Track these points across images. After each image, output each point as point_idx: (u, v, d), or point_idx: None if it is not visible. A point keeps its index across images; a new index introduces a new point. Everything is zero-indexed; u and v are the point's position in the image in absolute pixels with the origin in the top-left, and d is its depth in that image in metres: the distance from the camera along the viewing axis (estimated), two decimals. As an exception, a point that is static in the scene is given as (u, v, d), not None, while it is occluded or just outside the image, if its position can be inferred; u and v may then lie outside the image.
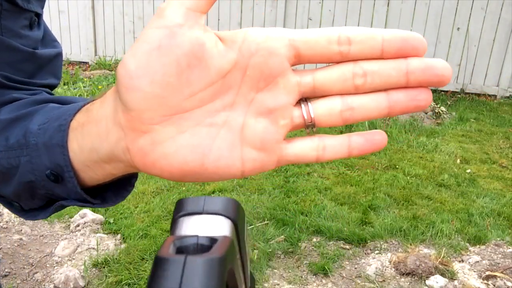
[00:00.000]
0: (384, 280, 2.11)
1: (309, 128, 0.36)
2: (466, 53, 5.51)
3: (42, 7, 0.56)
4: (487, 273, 2.15)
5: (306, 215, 2.60)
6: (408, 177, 3.19)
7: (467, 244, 2.43)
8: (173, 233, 0.25)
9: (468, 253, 2.35)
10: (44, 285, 2.03)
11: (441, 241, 2.42)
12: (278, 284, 2.08)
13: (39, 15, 0.55)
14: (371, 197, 2.86)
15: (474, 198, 2.93)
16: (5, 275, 2.06)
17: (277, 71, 0.33)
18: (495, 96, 5.48)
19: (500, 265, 2.22)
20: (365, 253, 2.33)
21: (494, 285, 2.08)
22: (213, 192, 2.83)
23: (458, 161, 3.55)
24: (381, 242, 2.40)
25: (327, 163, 3.28)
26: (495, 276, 2.12)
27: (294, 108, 0.35)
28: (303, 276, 2.12)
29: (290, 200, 2.76)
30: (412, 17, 5.59)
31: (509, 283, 2.08)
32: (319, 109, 0.35)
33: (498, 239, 2.48)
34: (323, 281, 2.10)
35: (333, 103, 0.34)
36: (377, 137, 0.35)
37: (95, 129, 0.38)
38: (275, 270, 2.17)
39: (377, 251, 2.33)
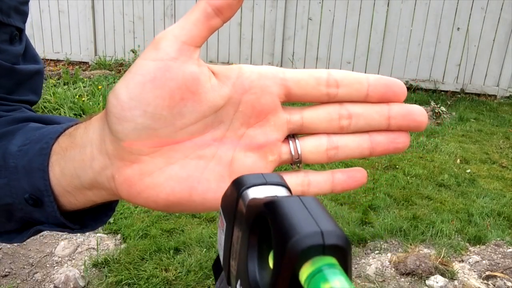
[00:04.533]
0: (384, 280, 2.11)
1: (296, 164, 0.37)
2: (466, 53, 5.51)
3: (24, 22, 0.55)
4: (487, 273, 2.15)
5: (306, 215, 2.60)
6: (408, 177, 3.19)
7: (467, 244, 2.43)
8: (245, 200, 0.24)
9: (468, 253, 2.35)
10: (44, 285, 2.03)
11: (441, 241, 2.42)
12: (278, 284, 2.08)
13: (21, 30, 0.54)
14: (371, 197, 2.86)
15: (474, 198, 2.93)
16: (5, 275, 2.07)
17: (269, 109, 0.35)
18: (495, 96, 5.48)
19: (500, 265, 2.22)
20: (365, 253, 2.33)
21: (494, 285, 2.08)
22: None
23: (458, 161, 3.55)
24: (381, 242, 2.40)
25: (327, 163, 3.28)
26: (495, 276, 2.13)
27: (282, 144, 0.36)
28: (303, 276, 2.12)
29: (290, 200, 2.76)
30: (412, 17, 5.59)
31: (509, 283, 2.08)
32: (306, 147, 0.36)
33: (498, 239, 2.48)
34: (323, 281, 2.11)
35: (320, 142, 0.36)
36: (358, 175, 0.37)
37: (78, 155, 0.37)
38: (275, 270, 2.17)
39: (377, 251, 2.33)
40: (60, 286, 1.98)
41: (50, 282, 2.04)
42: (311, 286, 0.18)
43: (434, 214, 2.70)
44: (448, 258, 2.27)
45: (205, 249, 2.25)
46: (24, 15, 0.54)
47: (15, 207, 0.41)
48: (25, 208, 0.41)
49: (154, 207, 0.35)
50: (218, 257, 0.29)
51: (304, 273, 0.19)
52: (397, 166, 3.38)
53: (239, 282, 0.23)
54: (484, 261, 2.27)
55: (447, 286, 2.06)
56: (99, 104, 4.31)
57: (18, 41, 0.54)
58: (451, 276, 2.13)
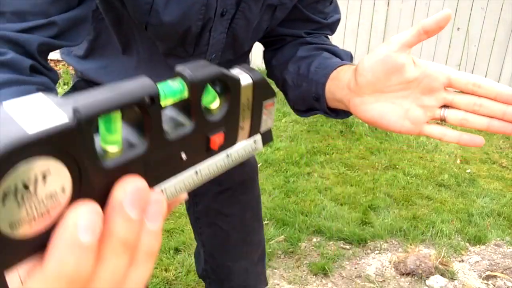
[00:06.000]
0: (384, 280, 2.11)
1: (442, 121, 0.65)
2: (466, 53, 5.51)
3: None
4: (487, 273, 2.15)
5: (306, 215, 2.60)
6: (408, 177, 3.19)
7: (467, 244, 2.43)
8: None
9: (468, 253, 2.35)
10: (44, 285, 2.02)
11: (441, 241, 2.42)
12: (278, 284, 2.08)
13: None
14: (371, 197, 2.86)
15: (474, 198, 2.93)
16: (5, 275, 2.06)
17: (436, 89, 0.63)
18: (495, 96, 5.49)
19: (500, 265, 2.22)
20: (365, 253, 2.33)
21: (494, 285, 2.08)
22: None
23: (458, 161, 3.55)
24: (381, 242, 2.40)
25: (327, 163, 3.28)
26: (495, 276, 2.12)
27: (438, 109, 0.65)
28: (303, 276, 2.12)
29: (290, 200, 2.76)
30: (412, 17, 5.59)
31: (509, 283, 2.07)
32: (450, 114, 0.64)
33: (498, 239, 2.48)
34: (323, 281, 2.10)
35: (458, 114, 0.64)
36: (478, 140, 0.66)
37: (338, 83, 0.74)
38: (275, 270, 2.16)
39: (377, 251, 2.33)
40: (60, 286, 1.98)
41: (50, 282, 2.04)
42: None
43: (434, 214, 2.70)
44: (448, 258, 2.27)
45: (205, 249, 2.25)
46: None
47: (308, 98, 0.81)
48: (311, 101, 0.80)
49: (363, 120, 0.68)
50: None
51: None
52: (397, 166, 3.38)
53: None
54: (484, 261, 2.27)
55: (447, 286, 2.06)
56: (99, 104, 4.31)
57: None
58: (451, 276, 2.13)
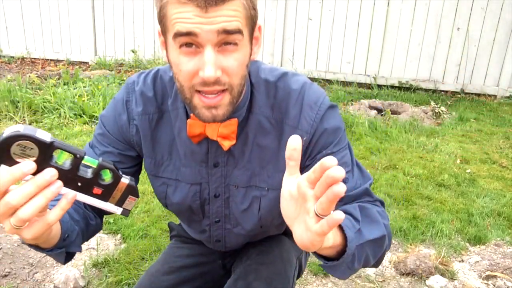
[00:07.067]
0: (384, 280, 2.11)
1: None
2: (466, 53, 5.51)
3: None
4: (487, 273, 2.15)
5: (306, 215, 2.59)
6: (408, 177, 3.19)
7: (467, 244, 2.43)
8: None
9: (468, 253, 2.35)
10: (44, 285, 2.03)
11: (441, 241, 2.42)
12: (278, 284, 2.08)
13: None
14: (371, 197, 2.86)
15: (474, 198, 2.93)
16: (5, 275, 2.06)
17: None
18: (495, 96, 5.48)
19: (500, 265, 2.22)
20: (365, 253, 2.33)
21: (494, 285, 2.08)
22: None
23: (458, 161, 3.55)
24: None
25: (327, 163, 3.27)
26: (495, 276, 2.12)
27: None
28: (303, 276, 2.12)
29: (290, 200, 2.76)
30: (412, 17, 5.59)
31: (509, 283, 2.07)
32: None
33: (498, 239, 2.48)
34: (323, 281, 2.10)
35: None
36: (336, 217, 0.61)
37: None
38: (275, 270, 2.16)
39: (377, 251, 2.33)
40: (60, 286, 1.98)
41: (50, 282, 2.04)
42: None
43: (434, 214, 2.70)
44: (448, 258, 2.27)
45: (205, 249, 2.25)
46: None
47: None
48: None
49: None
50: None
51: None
52: (397, 166, 3.38)
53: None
54: (484, 261, 2.26)
55: (447, 286, 2.06)
56: (99, 104, 4.31)
57: None
58: (451, 276, 2.13)
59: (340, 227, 0.76)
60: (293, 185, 0.65)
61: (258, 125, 0.96)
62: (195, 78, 0.79)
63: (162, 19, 0.80)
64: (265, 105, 0.95)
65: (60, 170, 0.63)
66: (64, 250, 0.85)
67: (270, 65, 1.01)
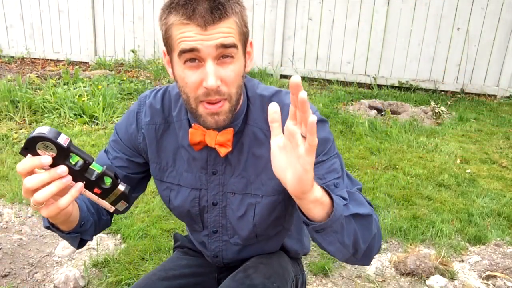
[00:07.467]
0: (384, 280, 2.11)
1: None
2: (466, 53, 5.51)
3: None
4: (487, 273, 2.15)
5: (306, 215, 2.59)
6: (408, 177, 3.19)
7: (467, 244, 2.43)
8: None
9: (468, 253, 2.35)
10: (44, 285, 2.03)
11: (441, 241, 2.42)
12: (278, 284, 2.07)
13: None
14: (371, 197, 2.86)
15: (474, 198, 2.93)
16: (5, 275, 2.06)
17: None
18: (495, 96, 5.48)
19: (500, 265, 2.22)
20: (365, 253, 2.33)
21: (494, 285, 2.08)
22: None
23: (458, 161, 3.55)
24: (381, 242, 2.39)
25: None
26: (495, 276, 2.12)
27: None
28: (303, 276, 2.12)
29: (290, 200, 2.76)
30: (412, 17, 5.58)
31: (509, 283, 2.07)
32: None
33: (498, 239, 2.48)
34: (323, 281, 2.10)
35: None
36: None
37: None
38: (275, 270, 2.16)
39: (377, 251, 2.33)
40: (60, 286, 1.98)
41: (50, 282, 2.04)
42: None
43: (434, 214, 2.70)
44: (448, 258, 2.27)
45: (205, 249, 2.25)
46: None
47: None
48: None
49: None
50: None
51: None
52: (397, 166, 3.38)
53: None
54: (484, 261, 2.27)
55: (447, 286, 2.06)
56: (99, 104, 4.30)
57: None
58: (451, 276, 2.13)
59: (329, 195, 0.84)
60: (280, 140, 0.77)
61: (253, 136, 1.06)
62: (200, 89, 0.91)
63: (167, 40, 0.93)
64: (259, 117, 1.05)
65: (71, 168, 0.80)
66: (79, 235, 1.00)
67: (266, 85, 1.12)
